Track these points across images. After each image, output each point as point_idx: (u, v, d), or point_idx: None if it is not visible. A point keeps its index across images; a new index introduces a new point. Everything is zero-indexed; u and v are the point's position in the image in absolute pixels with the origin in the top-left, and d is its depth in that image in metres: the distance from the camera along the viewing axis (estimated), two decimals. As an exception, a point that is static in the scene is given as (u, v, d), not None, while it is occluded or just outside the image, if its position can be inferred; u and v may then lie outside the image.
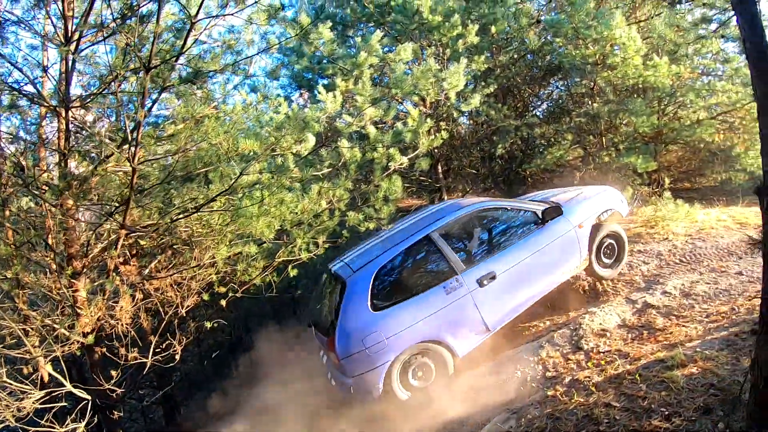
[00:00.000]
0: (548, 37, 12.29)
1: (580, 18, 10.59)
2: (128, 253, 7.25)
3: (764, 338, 3.25)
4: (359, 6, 11.38)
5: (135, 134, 5.16)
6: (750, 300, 6.51)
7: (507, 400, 5.64)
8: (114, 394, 5.75)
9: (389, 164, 7.78)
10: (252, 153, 4.80)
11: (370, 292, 5.83)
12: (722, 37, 12.14)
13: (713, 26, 11.58)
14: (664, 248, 8.83)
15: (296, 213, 6.54)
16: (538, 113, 14.26)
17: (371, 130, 8.11)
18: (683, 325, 6.28)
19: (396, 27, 11.11)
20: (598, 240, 7.00)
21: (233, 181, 5.12)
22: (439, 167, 11.81)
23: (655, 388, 4.77)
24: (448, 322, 5.97)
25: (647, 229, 10.04)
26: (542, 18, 12.33)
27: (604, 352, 6.04)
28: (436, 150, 11.03)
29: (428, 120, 8.64)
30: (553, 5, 12.27)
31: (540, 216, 6.55)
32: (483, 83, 11.42)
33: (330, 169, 7.21)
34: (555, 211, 6.54)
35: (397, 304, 5.90)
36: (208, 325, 6.82)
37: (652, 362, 5.39)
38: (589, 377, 5.48)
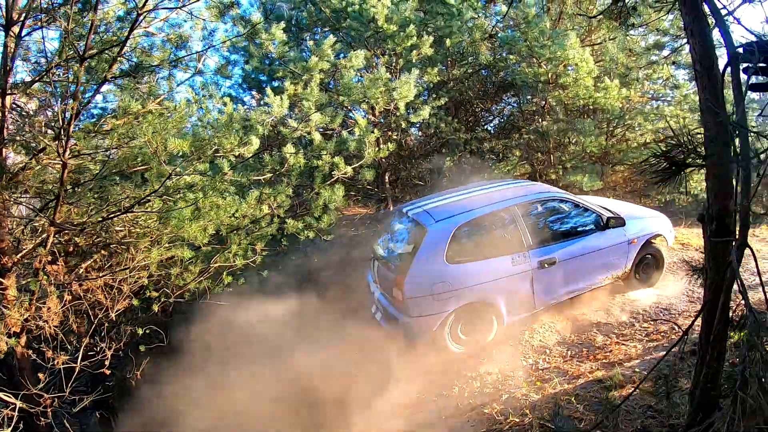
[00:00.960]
0: (503, 54, 12.43)
1: (533, 36, 10.73)
2: (57, 252, 6.98)
3: (702, 367, 3.28)
4: (316, 10, 11.29)
5: (67, 126, 4.98)
6: (688, 319, 6.67)
7: (445, 416, 5.57)
8: (41, 400, 5.51)
9: (333, 173, 7.69)
10: (181, 153, 4.66)
11: (448, 244, 6.15)
12: (673, 63, 12.47)
13: (665, 52, 11.89)
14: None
15: (233, 218, 6.40)
16: (490, 128, 14.41)
17: (316, 137, 8.02)
18: (623, 344, 6.35)
19: (351, 33, 11.08)
20: (641, 256, 7.42)
21: (162, 182, 4.95)
22: (387, 177, 11.76)
23: (593, 409, 4.80)
24: (506, 291, 6.39)
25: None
26: (498, 34, 12.41)
27: (543, 369, 6.09)
28: (384, 160, 10.99)
29: (376, 130, 8.61)
30: (511, 22, 12.35)
31: (603, 221, 6.94)
32: (434, 95, 11.46)
33: (272, 175, 7.07)
34: (617, 222, 6.96)
35: (469, 262, 6.25)
36: (140, 331, 6.60)
37: (590, 382, 5.43)
38: (526, 395, 5.48)
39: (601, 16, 12.95)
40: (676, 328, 6.46)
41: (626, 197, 14.55)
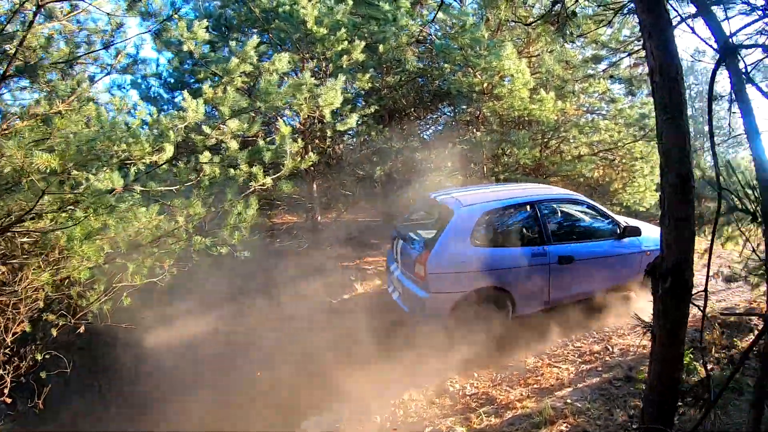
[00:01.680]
0: (440, 63, 12.12)
1: (464, 42, 10.51)
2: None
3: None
4: (246, 9, 10.75)
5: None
6: (622, 338, 6.61)
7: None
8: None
9: (250, 183, 7.22)
10: (49, 169, 4.14)
11: (473, 228, 6.52)
12: (611, 77, 12.50)
13: (602, 66, 11.84)
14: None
15: (134, 233, 5.89)
16: (426, 136, 14.15)
17: (233, 145, 7.48)
18: (555, 366, 6.15)
19: (280, 35, 10.62)
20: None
21: (36, 201, 4.43)
22: (315, 186, 11.32)
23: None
24: (523, 281, 6.66)
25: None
26: (435, 42, 12.13)
27: (470, 395, 5.84)
28: (312, 168, 10.58)
29: (299, 139, 8.19)
30: (448, 29, 12.07)
31: (621, 229, 7.30)
32: (364, 103, 11.11)
33: (180, 186, 6.56)
34: (634, 232, 7.27)
35: (491, 248, 6.56)
36: (39, 357, 6.03)
37: (518, 417, 5.13)
38: (451, 428, 5.15)
39: (539, 27, 12.96)
40: (609, 348, 6.31)
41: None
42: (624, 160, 13.12)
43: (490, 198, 6.95)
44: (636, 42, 6.81)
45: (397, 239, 7.54)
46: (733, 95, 2.57)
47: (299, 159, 7.77)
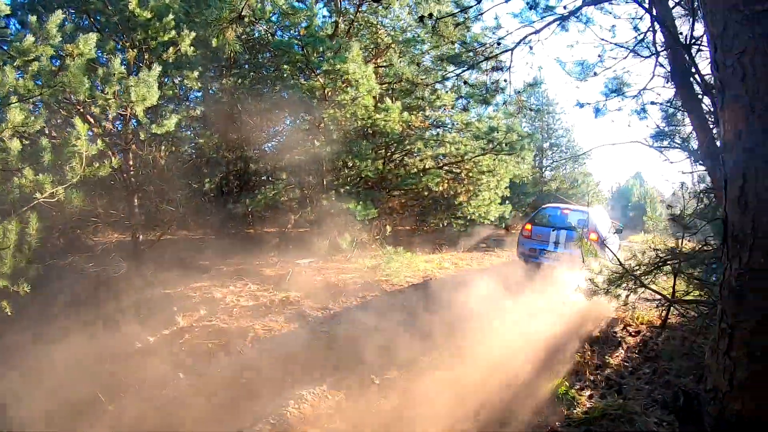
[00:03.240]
0: (283, 64, 11.23)
1: (307, 41, 9.73)
2: None
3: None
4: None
5: None
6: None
7: None
8: None
9: (36, 194, 5.91)
10: None
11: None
12: (465, 82, 12.24)
13: (459, 70, 11.55)
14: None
15: None
16: (266, 147, 13.14)
17: (14, 145, 6.04)
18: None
19: (99, 18, 9.19)
20: None
21: None
22: (135, 200, 9.74)
23: None
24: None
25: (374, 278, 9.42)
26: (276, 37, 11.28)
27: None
28: (132, 180, 9.30)
29: (99, 140, 6.94)
30: (287, 23, 11.14)
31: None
32: (187, 103, 9.97)
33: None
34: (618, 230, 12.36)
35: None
36: None
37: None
38: None
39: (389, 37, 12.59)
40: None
41: (403, 223, 14.38)
42: (471, 174, 12.98)
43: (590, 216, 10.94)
44: (496, 46, 6.44)
45: (556, 230, 10.92)
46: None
47: (99, 164, 6.52)
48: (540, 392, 5.56)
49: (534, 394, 5.54)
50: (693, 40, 5.24)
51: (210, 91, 11.54)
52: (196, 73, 9.51)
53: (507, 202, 15.26)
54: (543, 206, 12.47)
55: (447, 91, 12.79)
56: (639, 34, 6.25)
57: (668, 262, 5.79)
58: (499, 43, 6.39)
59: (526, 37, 6.17)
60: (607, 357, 6.21)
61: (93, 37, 7.04)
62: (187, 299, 8.54)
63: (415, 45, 11.96)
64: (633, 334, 7.21)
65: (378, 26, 12.95)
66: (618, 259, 5.62)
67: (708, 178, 6.32)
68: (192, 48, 9.16)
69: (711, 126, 4.77)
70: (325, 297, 8.57)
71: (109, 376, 6.61)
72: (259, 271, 10.03)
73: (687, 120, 6.28)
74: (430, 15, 6.03)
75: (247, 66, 12.05)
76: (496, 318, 7.88)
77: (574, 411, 4.99)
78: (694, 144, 5.92)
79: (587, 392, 5.49)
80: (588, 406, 5.17)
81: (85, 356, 6.89)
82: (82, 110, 7.86)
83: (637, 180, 39.13)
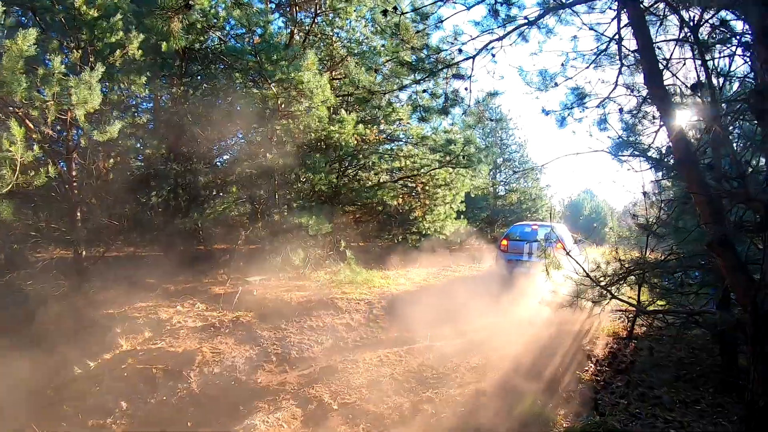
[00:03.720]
0: (235, 71, 10.85)
1: (260, 47, 9.43)
2: None
3: None
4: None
5: None
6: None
7: None
8: None
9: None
10: None
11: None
12: (424, 91, 12.06)
13: (418, 77, 11.36)
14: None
15: None
16: (218, 161, 12.60)
17: None
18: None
19: (46, 16, 8.50)
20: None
21: None
22: (78, 214, 9.09)
23: None
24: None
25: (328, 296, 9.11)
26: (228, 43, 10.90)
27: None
28: (76, 191, 8.76)
29: (36, 147, 6.48)
30: (242, 30, 10.75)
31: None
32: (134, 110, 9.51)
33: None
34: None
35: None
36: None
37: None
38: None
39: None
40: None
41: (358, 238, 14.15)
42: (427, 187, 12.90)
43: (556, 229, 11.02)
44: (457, 53, 6.30)
45: (528, 243, 12.20)
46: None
47: (33, 173, 6.08)
48: (514, 413, 5.37)
49: (509, 414, 5.35)
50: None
51: (161, 102, 11.08)
52: (144, 79, 8.99)
53: (462, 216, 15.27)
54: (514, 224, 14.40)
55: (402, 105, 12.66)
56: (602, 44, 6.17)
57: (633, 272, 5.74)
58: (460, 51, 6.23)
59: (489, 43, 6.03)
60: (577, 371, 6.06)
61: (33, 32, 6.65)
62: (131, 320, 8.08)
63: (371, 57, 11.77)
64: (601, 346, 7.21)
65: (333, 38, 12.79)
66: (584, 270, 5.48)
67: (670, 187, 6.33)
68: (140, 51, 8.72)
69: (687, 130, 4.66)
70: (277, 317, 8.23)
71: (47, 407, 6.20)
72: (208, 290, 9.62)
73: (650, 130, 6.24)
74: (395, 8, 5.80)
75: (199, 77, 11.64)
76: (457, 338, 7.70)
77: (552, 432, 4.68)
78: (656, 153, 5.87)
79: (562, 410, 5.33)
80: (565, 425, 4.99)
81: (20, 383, 6.44)
82: (19, 113, 7.34)
83: (588, 194, 39.75)
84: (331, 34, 12.61)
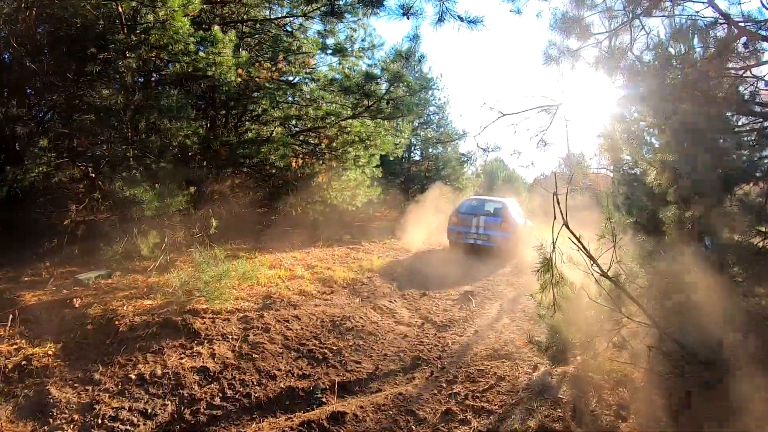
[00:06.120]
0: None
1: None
2: None
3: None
4: None
5: None
6: None
7: None
8: None
9: None
10: None
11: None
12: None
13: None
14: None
15: None
16: (45, 101, 8.86)
17: None
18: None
19: None
20: None
21: None
22: None
23: None
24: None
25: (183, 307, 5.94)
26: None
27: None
28: None
29: None
30: None
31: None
32: None
33: None
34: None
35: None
36: None
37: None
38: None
39: None
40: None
41: (241, 212, 10.98)
42: (334, 144, 9.68)
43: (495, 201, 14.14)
44: None
45: (477, 216, 13.34)
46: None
47: None
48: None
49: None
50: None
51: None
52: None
53: (376, 184, 12.33)
54: (465, 199, 16.10)
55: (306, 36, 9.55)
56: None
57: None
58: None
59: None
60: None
61: None
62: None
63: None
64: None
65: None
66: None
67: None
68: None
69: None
70: (95, 352, 5.02)
71: None
72: (18, 300, 6.17)
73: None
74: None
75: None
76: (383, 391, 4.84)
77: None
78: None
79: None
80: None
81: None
82: None
83: (500, 162, 38.17)
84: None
